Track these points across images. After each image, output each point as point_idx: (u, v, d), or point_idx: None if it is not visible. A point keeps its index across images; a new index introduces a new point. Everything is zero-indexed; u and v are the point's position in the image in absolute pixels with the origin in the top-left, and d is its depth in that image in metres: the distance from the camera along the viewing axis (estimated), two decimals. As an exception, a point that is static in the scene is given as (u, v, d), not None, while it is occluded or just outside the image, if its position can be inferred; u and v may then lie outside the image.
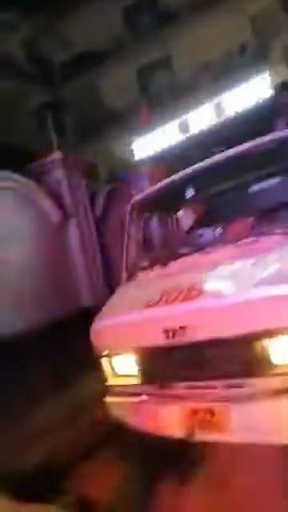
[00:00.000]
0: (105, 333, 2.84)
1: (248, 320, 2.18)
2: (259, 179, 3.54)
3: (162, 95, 17.65)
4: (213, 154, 3.32)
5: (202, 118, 3.43)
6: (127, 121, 16.98)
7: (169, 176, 3.68)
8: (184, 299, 2.43)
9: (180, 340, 2.35)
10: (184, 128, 3.49)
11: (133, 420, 2.79)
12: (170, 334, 2.37)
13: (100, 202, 7.13)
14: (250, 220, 2.90)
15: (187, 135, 3.51)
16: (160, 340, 2.44)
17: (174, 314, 2.41)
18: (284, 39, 16.74)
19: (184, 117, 3.51)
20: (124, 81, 17.25)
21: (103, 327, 2.85)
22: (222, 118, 3.30)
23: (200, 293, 2.40)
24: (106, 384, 2.97)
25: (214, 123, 3.36)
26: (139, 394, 2.70)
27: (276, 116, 3.09)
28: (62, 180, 7.47)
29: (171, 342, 2.38)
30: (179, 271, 2.81)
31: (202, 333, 2.29)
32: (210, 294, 2.38)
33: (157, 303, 2.56)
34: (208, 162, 3.19)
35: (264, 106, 3.09)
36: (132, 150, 3.80)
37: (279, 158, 3.22)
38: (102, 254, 6.97)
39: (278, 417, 2.13)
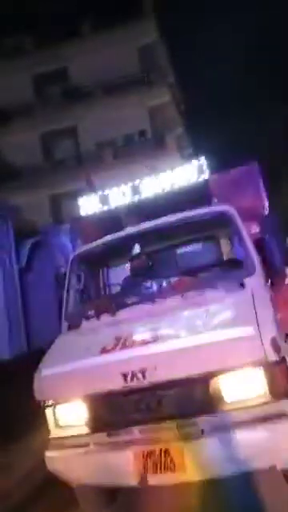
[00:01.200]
0: (52, 381, 2.68)
1: (202, 361, 2.36)
2: (185, 244, 4.10)
3: (66, 161, 18.57)
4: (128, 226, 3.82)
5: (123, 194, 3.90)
6: (27, 180, 17.27)
7: (99, 234, 3.99)
8: (142, 343, 2.53)
9: (139, 383, 2.40)
10: (104, 200, 3.89)
11: (77, 473, 2.65)
12: (129, 377, 2.42)
13: (25, 252, 6.89)
14: (195, 276, 3.33)
15: (126, 202, 3.88)
16: (117, 384, 2.45)
17: (134, 357, 2.47)
18: (177, 131, 19.70)
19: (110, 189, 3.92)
20: (28, 142, 17.70)
21: (51, 375, 2.70)
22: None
23: (157, 337, 2.52)
24: (49, 437, 2.81)
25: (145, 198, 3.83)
26: (86, 445, 2.60)
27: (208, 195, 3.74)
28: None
29: (130, 385, 2.42)
30: (131, 319, 2.91)
31: (160, 374, 2.39)
32: (167, 338, 2.51)
33: (113, 348, 2.59)
34: (142, 227, 3.60)
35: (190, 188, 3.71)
36: (79, 206, 3.98)
37: (199, 229, 3.84)
38: (24, 306, 6.60)
39: (233, 449, 2.25)
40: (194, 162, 3.82)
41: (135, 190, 4.11)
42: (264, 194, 4.15)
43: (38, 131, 18.20)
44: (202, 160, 3.80)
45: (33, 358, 3.20)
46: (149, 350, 2.49)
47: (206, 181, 3.91)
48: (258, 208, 4.00)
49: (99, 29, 18.00)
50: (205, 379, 2.38)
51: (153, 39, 18.58)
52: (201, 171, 3.93)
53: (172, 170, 4.12)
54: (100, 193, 4.24)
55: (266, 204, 4.15)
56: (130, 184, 4.15)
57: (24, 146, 17.49)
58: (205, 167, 3.74)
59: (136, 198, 4.05)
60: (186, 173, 4.01)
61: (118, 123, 17.30)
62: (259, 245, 3.44)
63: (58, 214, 17.89)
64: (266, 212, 4.06)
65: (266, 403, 2.29)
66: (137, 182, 4.13)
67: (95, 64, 17.41)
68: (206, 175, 3.74)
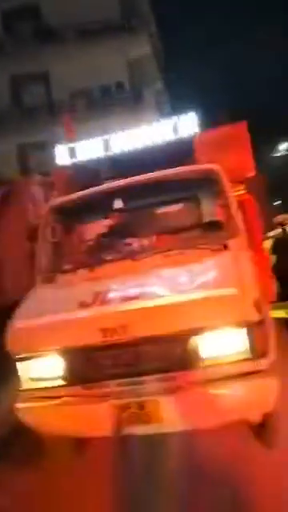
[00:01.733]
0: (27, 333, 2.63)
1: (184, 319, 2.38)
2: (167, 202, 3.98)
3: (37, 109, 17.47)
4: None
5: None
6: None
7: (76, 186, 3.80)
8: (123, 299, 2.51)
9: (118, 338, 2.40)
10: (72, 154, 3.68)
11: (50, 424, 2.63)
12: (109, 332, 2.41)
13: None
14: (177, 236, 3.25)
15: (107, 153, 3.67)
16: (96, 339, 2.43)
17: (115, 312, 2.46)
18: (156, 86, 18.90)
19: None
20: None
21: (25, 327, 2.64)
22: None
23: (139, 294, 2.51)
24: (20, 389, 2.75)
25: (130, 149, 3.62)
26: (60, 397, 2.58)
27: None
28: None
29: (109, 340, 2.41)
30: (110, 275, 2.85)
31: (141, 331, 2.39)
32: (149, 295, 2.50)
33: (92, 304, 2.55)
34: (125, 181, 3.44)
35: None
36: (54, 155, 3.72)
37: (183, 187, 3.74)
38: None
39: (207, 404, 2.34)
40: (188, 116, 3.62)
41: (115, 143, 3.90)
42: (251, 155, 4.06)
43: (7, 72, 16.83)
44: (192, 116, 3.61)
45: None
46: (130, 306, 2.45)
47: (192, 137, 3.76)
48: (245, 169, 3.91)
49: None
50: (185, 336, 2.39)
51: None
52: (187, 127, 3.76)
53: (155, 122, 3.93)
54: (75, 143, 3.99)
55: (253, 165, 4.06)
56: (109, 136, 3.92)
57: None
58: (194, 123, 3.56)
59: (117, 151, 3.85)
60: (170, 127, 3.82)
61: (94, 72, 16.27)
62: (243, 206, 3.40)
63: (26, 164, 17.04)
64: (253, 173, 3.98)
65: (243, 361, 2.34)
66: (117, 134, 3.91)
67: (72, 3, 15.98)
68: (195, 131, 3.57)
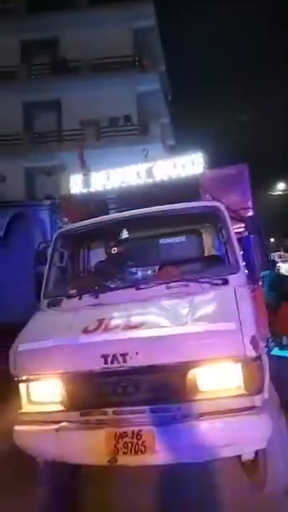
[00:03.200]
0: (29, 356, 2.67)
1: (182, 350, 2.43)
2: (172, 235, 4.15)
3: (46, 135, 18.02)
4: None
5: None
6: (4, 148, 16.62)
7: (85, 215, 3.96)
8: (125, 328, 2.58)
9: (119, 366, 2.44)
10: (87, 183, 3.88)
11: (46, 449, 2.63)
12: (109, 359, 2.45)
13: (3, 224, 6.70)
14: (179, 267, 3.38)
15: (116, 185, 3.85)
16: (97, 365, 2.48)
17: (117, 340, 2.51)
18: (162, 120, 19.56)
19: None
20: (9, 109, 17.01)
21: (28, 350, 2.69)
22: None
23: (141, 323, 2.58)
24: (20, 411, 2.75)
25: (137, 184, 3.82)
26: (58, 422, 2.60)
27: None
28: None
29: (109, 367, 2.45)
30: (114, 302, 2.93)
31: (141, 360, 2.43)
32: (151, 325, 2.57)
33: (95, 330, 2.62)
34: (133, 212, 3.61)
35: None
36: (69, 183, 3.89)
37: (187, 222, 3.90)
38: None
39: (200, 438, 2.36)
40: (192, 156, 3.83)
41: (123, 176, 4.06)
42: (250, 196, 4.26)
43: (20, 98, 17.45)
44: (199, 155, 3.82)
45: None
46: (132, 335, 2.54)
47: (198, 176, 3.95)
48: (244, 208, 4.10)
49: (96, 3, 17.44)
50: (183, 368, 2.46)
51: (149, 24, 18.19)
52: (194, 165, 3.95)
53: (166, 159, 4.12)
54: (89, 174, 4.17)
55: (251, 205, 4.27)
56: (118, 169, 4.09)
57: (5, 111, 16.77)
58: (201, 162, 3.76)
59: (125, 184, 4.02)
60: (178, 164, 4.01)
61: (104, 104, 16.92)
62: (242, 244, 3.55)
63: (32, 188, 17.39)
64: (251, 213, 4.18)
65: (238, 396, 2.40)
66: (125, 168, 4.08)
67: (88, 39, 16.80)
68: (200, 170, 3.77)
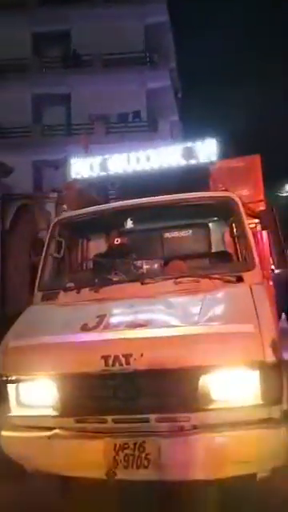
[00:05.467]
0: (20, 354, 2.39)
1: (194, 353, 2.17)
2: (179, 227, 3.85)
3: (55, 129, 17.83)
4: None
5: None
6: (13, 140, 16.46)
7: (86, 202, 3.67)
8: (129, 326, 2.31)
9: (121, 368, 2.16)
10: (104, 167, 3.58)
11: (36, 458, 2.36)
12: (110, 360, 2.17)
13: (10, 215, 6.51)
14: (192, 261, 3.09)
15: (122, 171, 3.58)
16: (96, 367, 2.20)
17: (119, 340, 2.24)
18: (171, 117, 19.29)
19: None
20: (19, 101, 16.85)
21: (19, 347, 2.41)
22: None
23: (147, 322, 2.32)
24: (7, 414, 2.45)
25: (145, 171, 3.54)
26: (51, 429, 2.32)
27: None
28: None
29: (110, 369, 2.17)
30: (116, 298, 2.66)
31: (146, 362, 2.15)
32: (158, 324, 2.31)
33: (95, 327, 2.34)
34: (138, 201, 3.31)
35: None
36: (70, 169, 3.63)
37: (198, 213, 3.60)
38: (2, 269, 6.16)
39: (211, 452, 2.10)
40: (207, 142, 3.53)
41: (130, 162, 3.78)
42: (263, 188, 3.97)
43: (30, 91, 17.27)
44: (212, 142, 3.52)
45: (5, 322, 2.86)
46: (137, 334, 2.25)
47: (208, 164, 3.66)
48: (256, 201, 3.81)
49: (110, -3, 17.23)
50: (193, 373, 2.17)
51: (162, 19, 17.94)
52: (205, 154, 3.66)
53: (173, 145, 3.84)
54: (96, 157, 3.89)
55: (264, 198, 3.97)
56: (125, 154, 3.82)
57: (15, 104, 16.55)
58: (213, 150, 3.47)
59: (130, 171, 3.73)
60: (188, 152, 3.73)
61: (114, 99, 16.66)
62: (256, 239, 3.25)
63: (39, 181, 17.18)
64: (264, 206, 3.88)
65: (254, 406, 2.12)
66: (133, 153, 3.80)
67: (99, 33, 16.56)
68: (212, 158, 3.47)
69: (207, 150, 3.48)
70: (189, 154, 3.56)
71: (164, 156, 3.75)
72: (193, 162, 3.51)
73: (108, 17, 16.70)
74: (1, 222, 6.37)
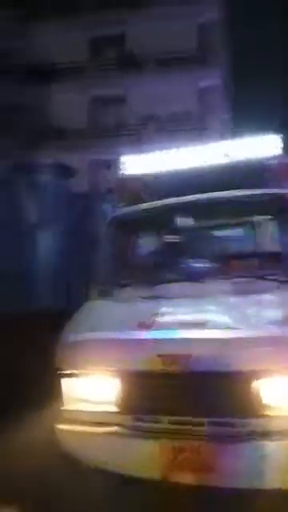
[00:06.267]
0: (81, 349, 2.40)
1: (257, 356, 2.10)
2: (238, 225, 3.71)
3: (109, 129, 18.21)
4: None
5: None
6: (71, 141, 17.01)
7: (138, 197, 3.63)
8: (187, 326, 2.27)
9: (178, 368, 2.13)
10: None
11: (93, 454, 2.34)
12: (168, 360, 2.14)
13: (74, 215, 6.93)
14: (248, 262, 2.98)
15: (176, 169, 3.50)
16: (154, 366, 2.18)
17: (178, 339, 2.20)
18: (223, 116, 18.93)
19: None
20: (77, 103, 17.42)
21: (80, 342, 2.41)
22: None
23: (205, 321, 2.26)
24: (61, 408, 2.47)
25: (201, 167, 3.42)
26: (108, 424, 2.31)
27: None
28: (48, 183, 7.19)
29: (167, 369, 2.15)
30: (172, 296, 2.63)
31: (205, 364, 2.11)
32: (216, 324, 2.26)
33: (152, 325, 2.32)
34: (197, 197, 3.23)
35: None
36: (123, 164, 3.63)
37: (260, 211, 3.43)
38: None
39: (270, 460, 2.01)
40: (270, 137, 3.35)
41: (183, 158, 3.67)
42: None
43: (88, 94, 17.86)
44: (275, 138, 3.34)
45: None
46: (194, 335, 2.19)
47: (267, 160, 3.47)
48: None
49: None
50: (254, 377, 2.09)
51: (215, 18, 17.72)
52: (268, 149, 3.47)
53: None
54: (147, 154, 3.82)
55: None
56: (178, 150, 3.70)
57: (72, 106, 17.18)
58: (278, 145, 3.29)
59: (185, 167, 3.62)
60: (247, 146, 3.55)
61: (166, 99, 16.77)
62: None
63: (95, 181, 17.56)
64: None
65: None
66: (187, 148, 3.68)
67: (153, 35, 16.79)
68: (276, 153, 3.29)
69: (271, 144, 3.31)
70: (249, 148, 3.40)
71: (221, 152, 3.60)
72: (252, 157, 3.35)
73: (161, 17, 16.84)
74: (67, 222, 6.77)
